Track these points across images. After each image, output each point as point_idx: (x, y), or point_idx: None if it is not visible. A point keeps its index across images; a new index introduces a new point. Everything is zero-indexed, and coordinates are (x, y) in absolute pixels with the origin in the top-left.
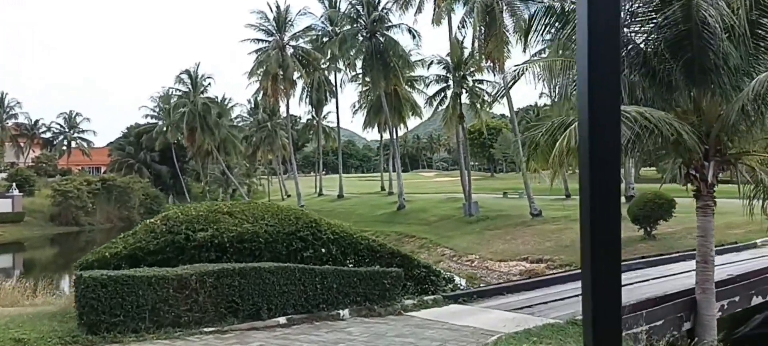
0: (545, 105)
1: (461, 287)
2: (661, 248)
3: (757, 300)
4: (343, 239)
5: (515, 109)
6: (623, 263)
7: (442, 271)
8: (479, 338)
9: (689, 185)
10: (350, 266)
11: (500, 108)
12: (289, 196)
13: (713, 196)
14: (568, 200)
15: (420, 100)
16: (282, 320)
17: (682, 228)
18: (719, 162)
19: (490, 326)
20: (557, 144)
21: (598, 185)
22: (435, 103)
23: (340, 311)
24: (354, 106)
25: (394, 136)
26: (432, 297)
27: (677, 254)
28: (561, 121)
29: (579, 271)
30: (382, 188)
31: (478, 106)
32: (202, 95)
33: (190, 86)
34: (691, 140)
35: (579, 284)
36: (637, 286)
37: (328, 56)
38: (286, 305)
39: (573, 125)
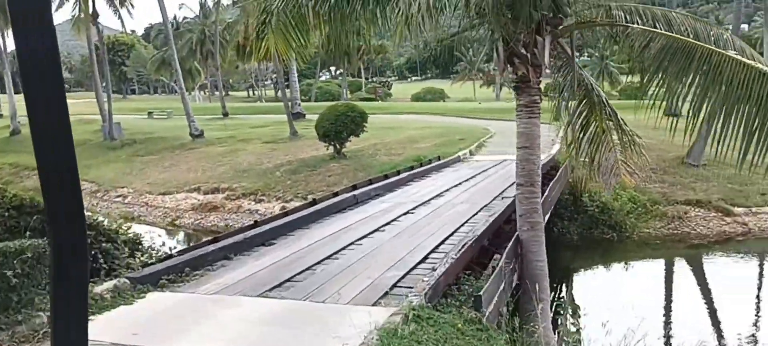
0: (185, 18)
1: (172, 252)
2: (356, 168)
3: None
4: None
5: (148, 24)
6: (362, 192)
7: (122, 230)
8: None
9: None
10: None
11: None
12: None
13: (541, 90)
14: (226, 118)
15: None
16: None
17: (368, 145)
18: (556, 36)
19: None
20: None
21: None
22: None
23: None
24: None
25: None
26: (110, 284)
27: (407, 174)
28: None
29: (320, 207)
30: None
31: (117, 3)
32: None
33: None
34: None
35: (328, 229)
36: (411, 225)
37: None
38: None
39: None
